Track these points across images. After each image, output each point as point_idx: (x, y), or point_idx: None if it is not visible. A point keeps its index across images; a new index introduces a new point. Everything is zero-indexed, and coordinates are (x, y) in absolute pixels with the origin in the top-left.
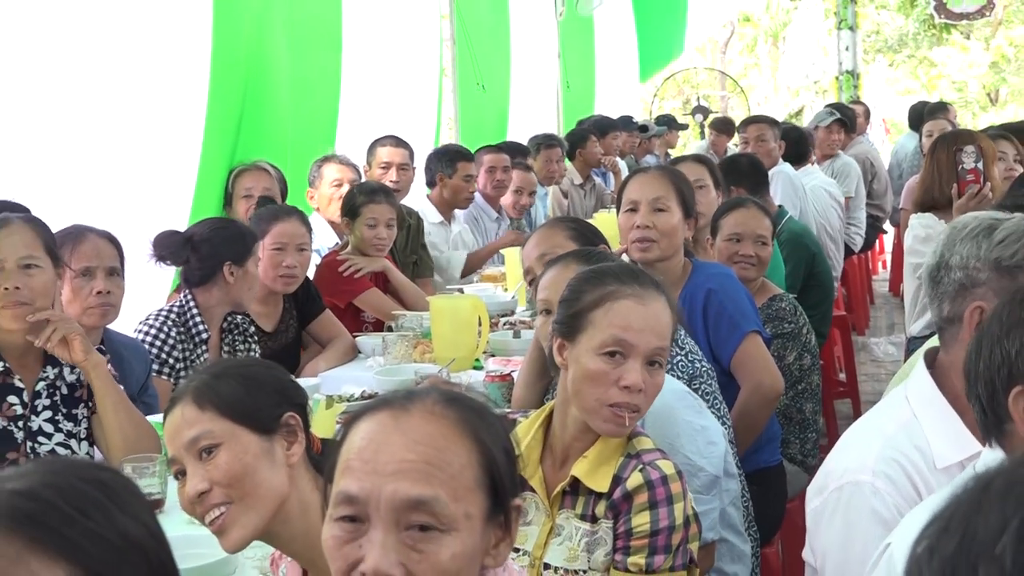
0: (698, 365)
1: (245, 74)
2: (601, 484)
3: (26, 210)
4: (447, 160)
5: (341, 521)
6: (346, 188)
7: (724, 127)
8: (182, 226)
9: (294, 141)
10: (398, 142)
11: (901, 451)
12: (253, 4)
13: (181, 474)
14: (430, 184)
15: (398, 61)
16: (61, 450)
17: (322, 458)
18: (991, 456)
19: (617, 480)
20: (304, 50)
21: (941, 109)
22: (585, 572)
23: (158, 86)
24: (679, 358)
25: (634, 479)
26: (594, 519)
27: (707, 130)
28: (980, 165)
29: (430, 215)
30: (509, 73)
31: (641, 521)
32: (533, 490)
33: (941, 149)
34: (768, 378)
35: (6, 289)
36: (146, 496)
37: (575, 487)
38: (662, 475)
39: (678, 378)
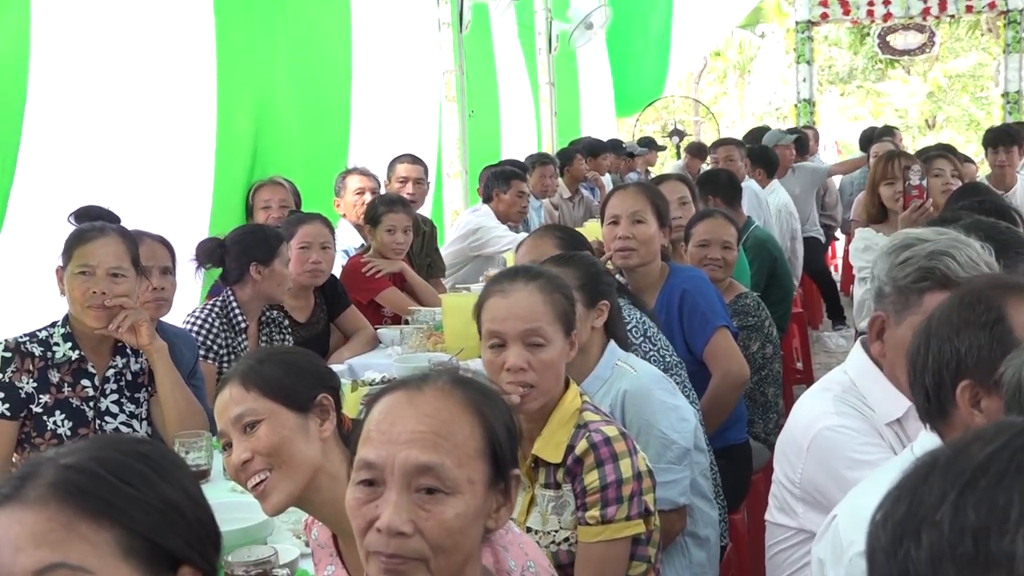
0: (669, 359)
1: (253, 99)
2: (555, 456)
3: (118, 219)
4: (503, 178)
5: (361, 484)
6: (368, 196)
7: (697, 151)
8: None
9: (310, 159)
10: (414, 159)
11: (850, 404)
12: (257, 35)
13: (228, 446)
14: (487, 200)
15: (403, 90)
16: (124, 428)
17: (352, 436)
18: (927, 438)
19: (569, 449)
20: (317, 80)
21: (887, 133)
22: (557, 532)
23: (170, 112)
24: (652, 353)
25: (581, 445)
26: (557, 486)
27: (682, 152)
28: (924, 183)
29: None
30: (497, 101)
31: (592, 479)
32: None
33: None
34: (735, 366)
35: (94, 292)
36: (190, 466)
37: (537, 462)
38: (605, 437)
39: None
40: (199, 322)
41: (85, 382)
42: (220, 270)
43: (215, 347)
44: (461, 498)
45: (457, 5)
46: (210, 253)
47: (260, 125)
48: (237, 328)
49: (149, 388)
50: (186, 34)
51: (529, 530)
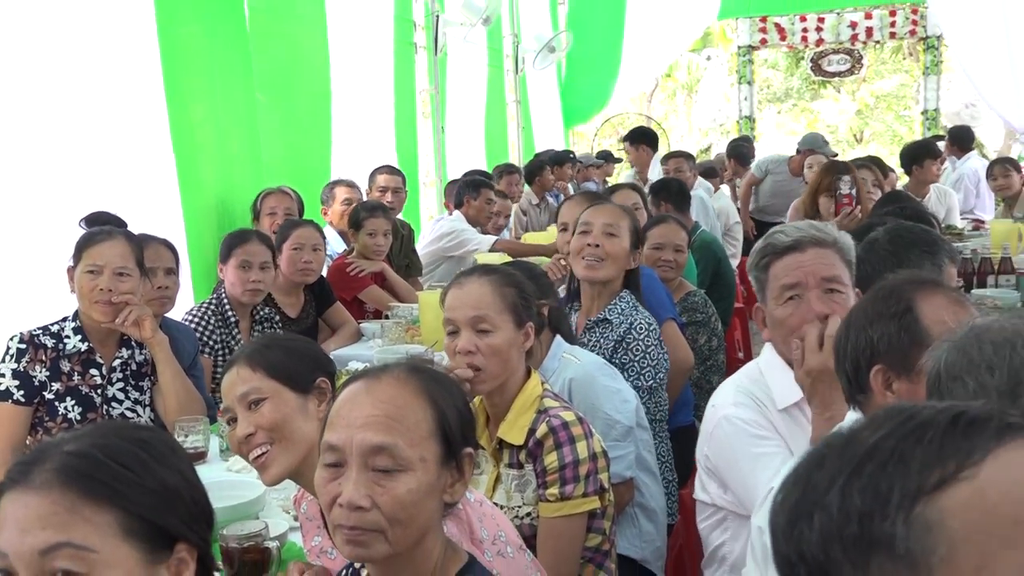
0: (635, 317)
1: (207, 111)
2: (518, 438)
3: (125, 224)
4: (473, 186)
5: (327, 466)
6: (353, 204)
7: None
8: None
9: (296, 170)
10: (393, 170)
11: (750, 392)
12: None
13: (232, 421)
14: (458, 206)
15: (383, 107)
16: (129, 413)
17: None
18: (852, 416)
19: (531, 432)
20: (298, 100)
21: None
22: (520, 507)
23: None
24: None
25: (542, 429)
26: (520, 466)
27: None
28: (854, 191)
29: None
30: (472, 118)
31: (551, 460)
32: (484, 448)
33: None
34: (682, 356)
35: (100, 290)
36: (189, 449)
37: (502, 444)
38: (563, 422)
39: (618, 333)
40: (196, 319)
41: (93, 371)
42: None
43: (211, 342)
44: (414, 475)
45: (432, 31)
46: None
47: (219, 135)
48: (231, 324)
49: (152, 377)
50: (131, 45)
51: (495, 505)
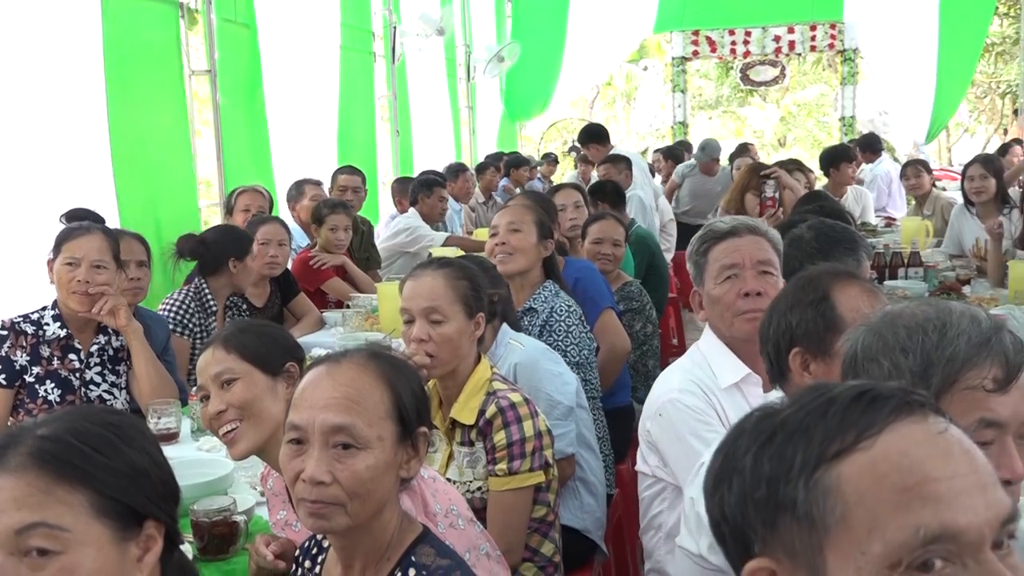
0: (556, 302)
1: (144, 121)
2: (469, 419)
3: (103, 220)
4: (427, 185)
5: (290, 443)
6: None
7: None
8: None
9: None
10: (353, 170)
11: (695, 376)
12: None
13: (205, 398)
14: (413, 203)
15: (344, 113)
16: (106, 396)
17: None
18: (776, 395)
19: (481, 413)
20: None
21: (746, 149)
22: (471, 482)
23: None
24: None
25: (491, 409)
26: (471, 444)
27: (578, 163)
28: (777, 194)
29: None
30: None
31: (500, 438)
32: (438, 427)
33: (748, 178)
34: (619, 341)
35: (78, 281)
36: (161, 429)
37: (454, 423)
38: (511, 402)
39: (542, 318)
40: (176, 303)
41: (72, 356)
42: (194, 262)
43: (190, 325)
44: (371, 452)
45: (389, 41)
46: (193, 248)
47: (153, 142)
48: (208, 310)
49: (127, 362)
50: (77, 57)
51: (449, 480)
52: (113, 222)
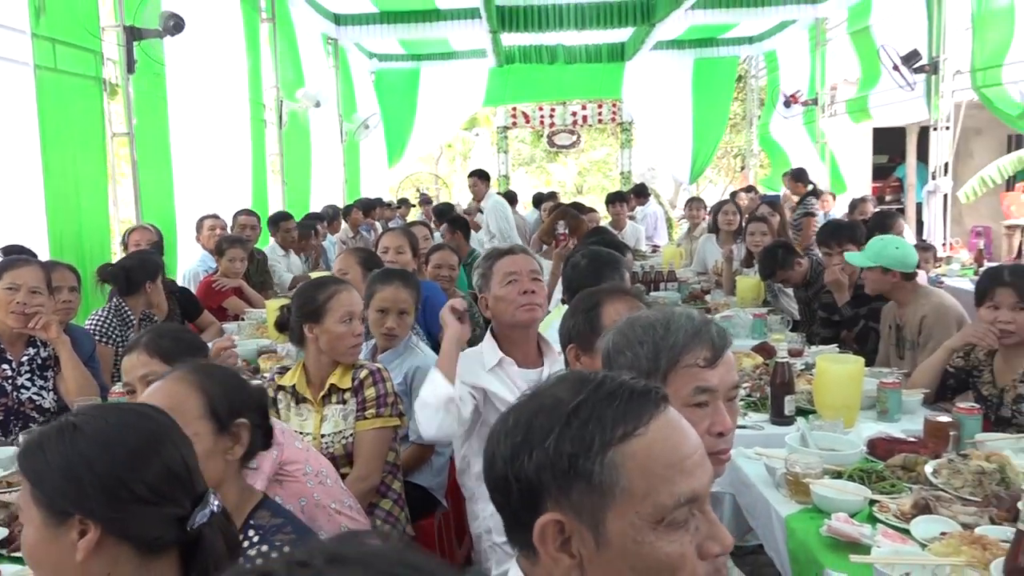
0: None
1: (74, 169)
2: (345, 382)
3: (36, 255)
4: (276, 221)
5: None
6: (218, 231)
7: (433, 206)
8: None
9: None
10: (250, 213)
11: (470, 357)
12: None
13: (132, 392)
14: (273, 235)
15: (237, 162)
16: (35, 397)
17: None
18: (535, 372)
19: (354, 378)
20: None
21: (551, 196)
22: (344, 431)
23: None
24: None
25: (364, 373)
26: (344, 402)
27: (422, 207)
28: (567, 231)
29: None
30: (309, 169)
31: (370, 392)
32: (307, 399)
33: (553, 220)
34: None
35: (18, 303)
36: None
37: (330, 390)
38: (376, 368)
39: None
40: (101, 319)
41: (4, 366)
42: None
43: (113, 335)
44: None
45: (278, 111)
46: (114, 275)
47: (77, 187)
48: (128, 323)
49: (55, 369)
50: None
51: (324, 435)
52: (43, 254)
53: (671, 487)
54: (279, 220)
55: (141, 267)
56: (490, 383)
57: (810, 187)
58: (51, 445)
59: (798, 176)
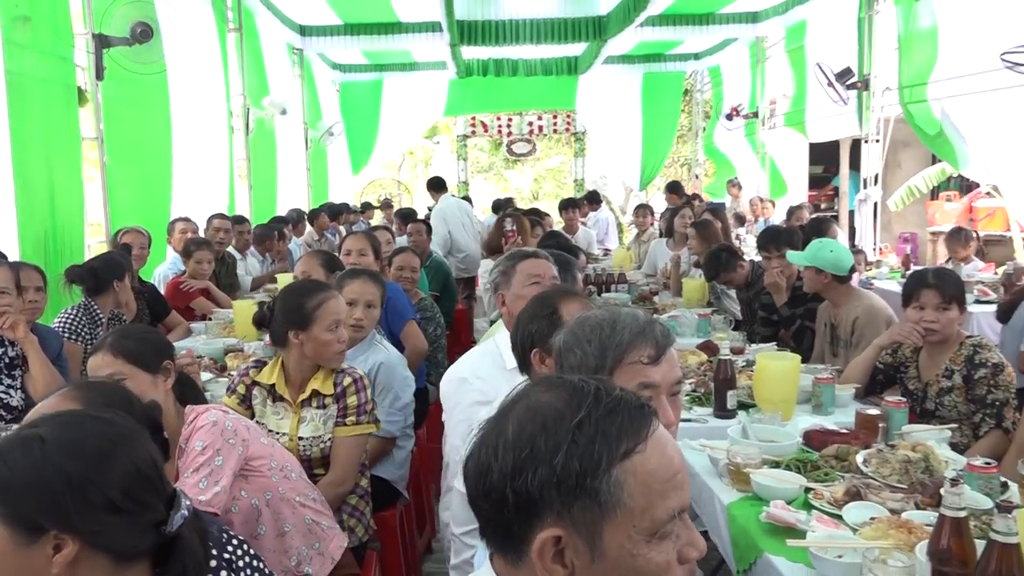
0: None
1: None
2: (328, 388)
3: (5, 256)
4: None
5: None
6: (189, 235)
7: (396, 210)
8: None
9: (142, 210)
10: (223, 216)
11: (483, 360)
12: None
13: None
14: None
15: (217, 171)
16: (3, 395)
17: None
18: (525, 378)
19: (336, 384)
20: (144, 162)
21: (509, 202)
22: (322, 435)
23: None
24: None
25: (346, 380)
26: (325, 406)
27: (384, 211)
28: (515, 228)
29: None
30: (276, 175)
31: (352, 400)
32: (284, 398)
33: (501, 220)
34: (419, 344)
35: None
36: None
37: (312, 394)
38: (359, 376)
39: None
40: (70, 318)
41: None
42: (80, 287)
43: (83, 333)
44: None
45: (245, 118)
46: (82, 276)
47: (48, 188)
48: (97, 322)
49: (23, 368)
50: None
51: (302, 438)
52: (13, 254)
53: (667, 502)
54: (234, 223)
55: (107, 267)
56: (508, 384)
57: (684, 199)
58: (15, 456)
59: (673, 188)
